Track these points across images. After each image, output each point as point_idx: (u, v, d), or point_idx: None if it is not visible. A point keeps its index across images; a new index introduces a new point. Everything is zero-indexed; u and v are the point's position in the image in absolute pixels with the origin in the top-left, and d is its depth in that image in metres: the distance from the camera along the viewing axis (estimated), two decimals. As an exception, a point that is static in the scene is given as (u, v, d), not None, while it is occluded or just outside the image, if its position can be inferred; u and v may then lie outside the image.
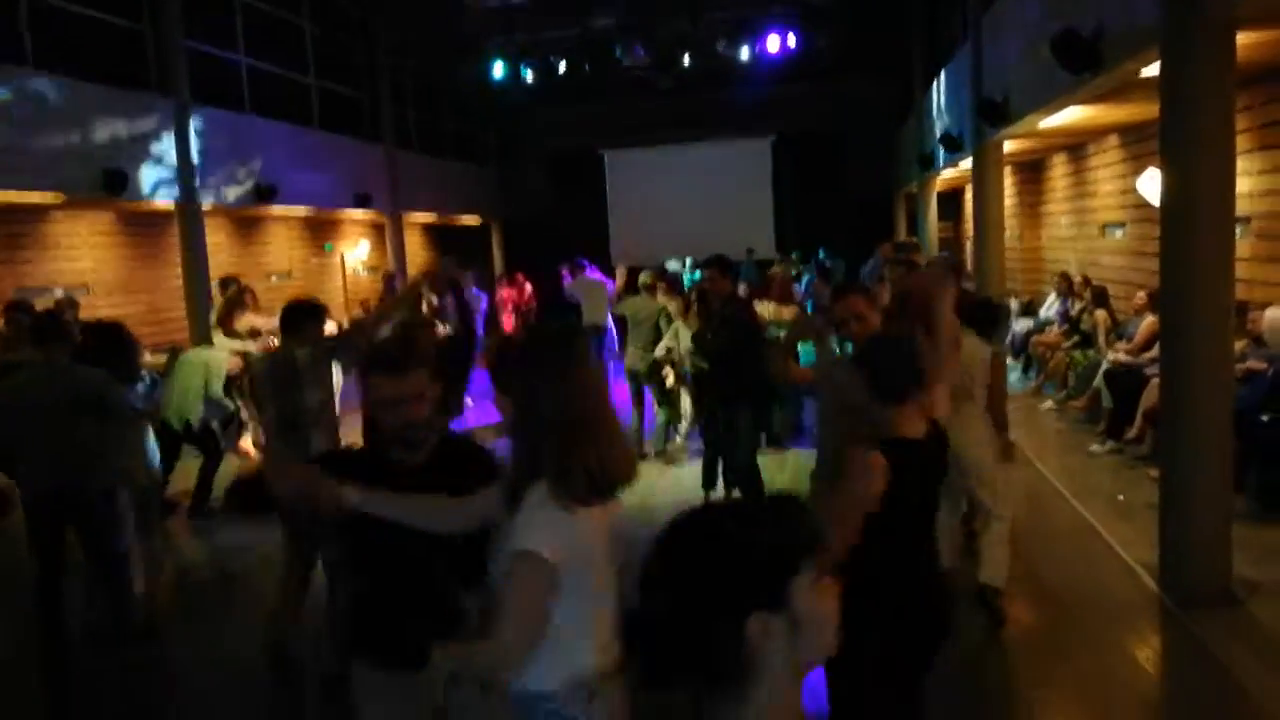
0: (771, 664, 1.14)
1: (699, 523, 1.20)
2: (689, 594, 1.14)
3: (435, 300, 7.25)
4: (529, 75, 16.57)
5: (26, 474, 4.59)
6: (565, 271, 12.21)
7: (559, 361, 2.04)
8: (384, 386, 2.31)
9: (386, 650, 2.38)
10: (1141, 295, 8.40)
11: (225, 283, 9.62)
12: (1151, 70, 5.23)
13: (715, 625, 1.13)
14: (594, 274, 11.86)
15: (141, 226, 11.83)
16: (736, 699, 1.16)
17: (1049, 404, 9.24)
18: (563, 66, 16.42)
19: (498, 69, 16.53)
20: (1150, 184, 7.96)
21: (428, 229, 20.28)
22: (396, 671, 2.36)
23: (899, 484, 2.43)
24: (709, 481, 6.46)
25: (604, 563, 2.07)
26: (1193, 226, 4.52)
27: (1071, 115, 8.37)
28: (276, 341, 5.74)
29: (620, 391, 7.38)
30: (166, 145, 10.57)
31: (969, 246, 14.40)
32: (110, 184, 9.47)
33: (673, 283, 9.22)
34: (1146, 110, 7.71)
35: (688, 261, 15.34)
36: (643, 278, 8.72)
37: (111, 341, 4.99)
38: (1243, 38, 4.56)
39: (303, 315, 4.49)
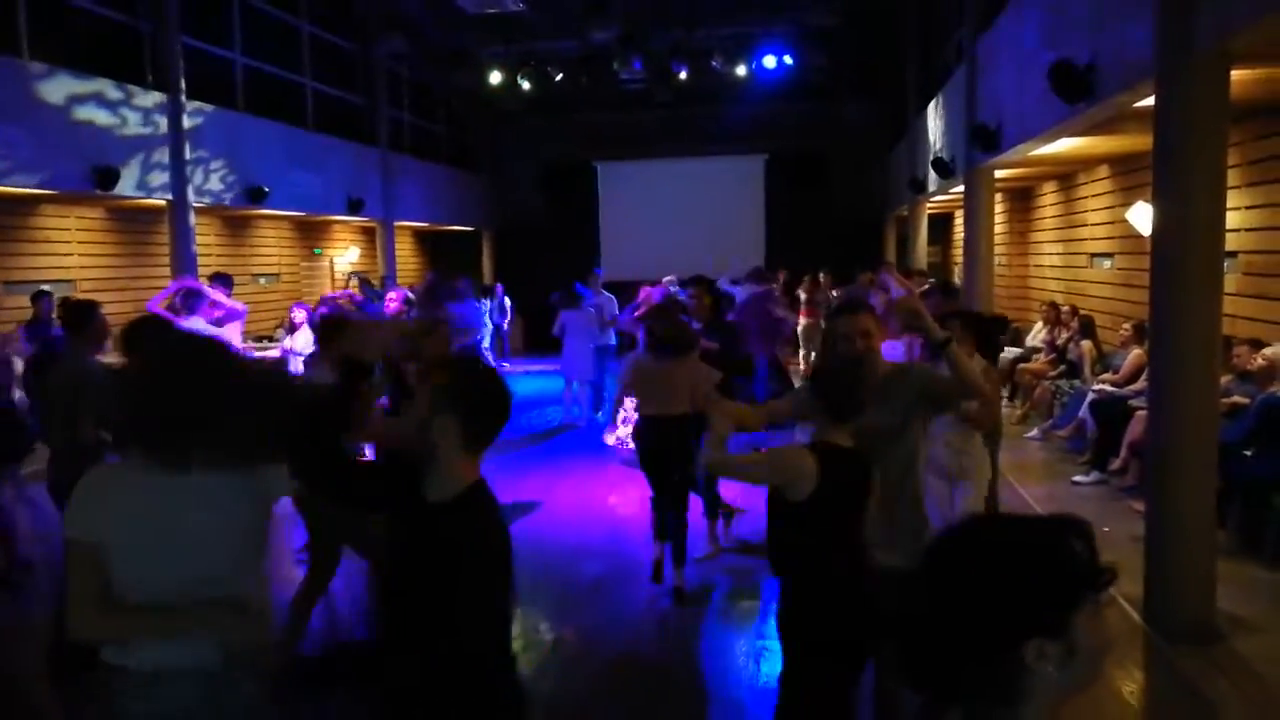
0: (1043, 690, 1.16)
1: (999, 535, 1.21)
2: (975, 606, 1.16)
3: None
4: (525, 85, 16.58)
5: None
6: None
7: None
8: None
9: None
10: (1127, 327, 8.46)
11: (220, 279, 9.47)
12: (1146, 102, 5.27)
13: (995, 643, 1.15)
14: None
15: (131, 223, 11.75)
16: (1006, 714, 1.17)
17: (1034, 433, 9.27)
18: (560, 77, 16.44)
19: (494, 77, 16.55)
20: (1140, 216, 8.04)
21: (419, 235, 20.24)
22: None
23: (832, 483, 2.85)
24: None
25: None
26: (1183, 259, 4.55)
27: (1064, 145, 8.44)
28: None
29: None
30: (159, 141, 10.51)
31: (957, 272, 14.48)
32: (100, 179, 9.40)
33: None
34: (1138, 142, 7.80)
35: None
36: None
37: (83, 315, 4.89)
38: (1236, 74, 4.61)
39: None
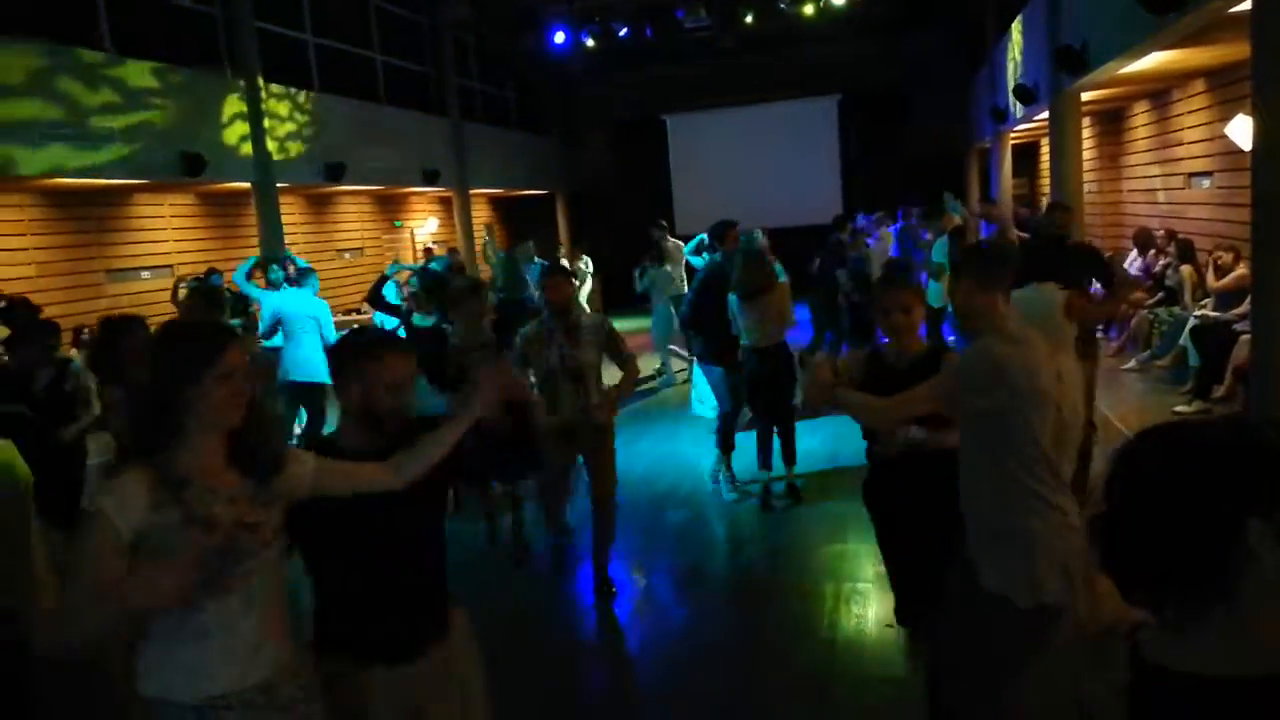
0: (1264, 572, 1.11)
1: (1197, 428, 1.19)
2: (1190, 491, 1.13)
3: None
4: (590, 42, 16.48)
5: None
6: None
7: None
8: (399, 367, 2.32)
9: (379, 647, 2.29)
10: (1226, 255, 8.02)
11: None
12: (1242, 7, 4.95)
13: (1216, 525, 1.11)
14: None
15: (221, 206, 12.19)
16: (1224, 607, 1.13)
17: (1131, 364, 8.93)
18: (624, 31, 16.28)
19: (559, 37, 16.49)
20: (1241, 130, 7.58)
21: (493, 201, 20.45)
22: (385, 668, 2.28)
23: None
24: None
25: None
26: (1287, 172, 4.30)
27: (1155, 60, 7.99)
28: None
29: None
30: (241, 126, 10.83)
31: (1044, 203, 13.93)
32: (188, 166, 9.76)
33: None
34: (1236, 51, 7.32)
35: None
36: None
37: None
38: (1343, -32, 4.29)
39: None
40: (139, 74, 9.47)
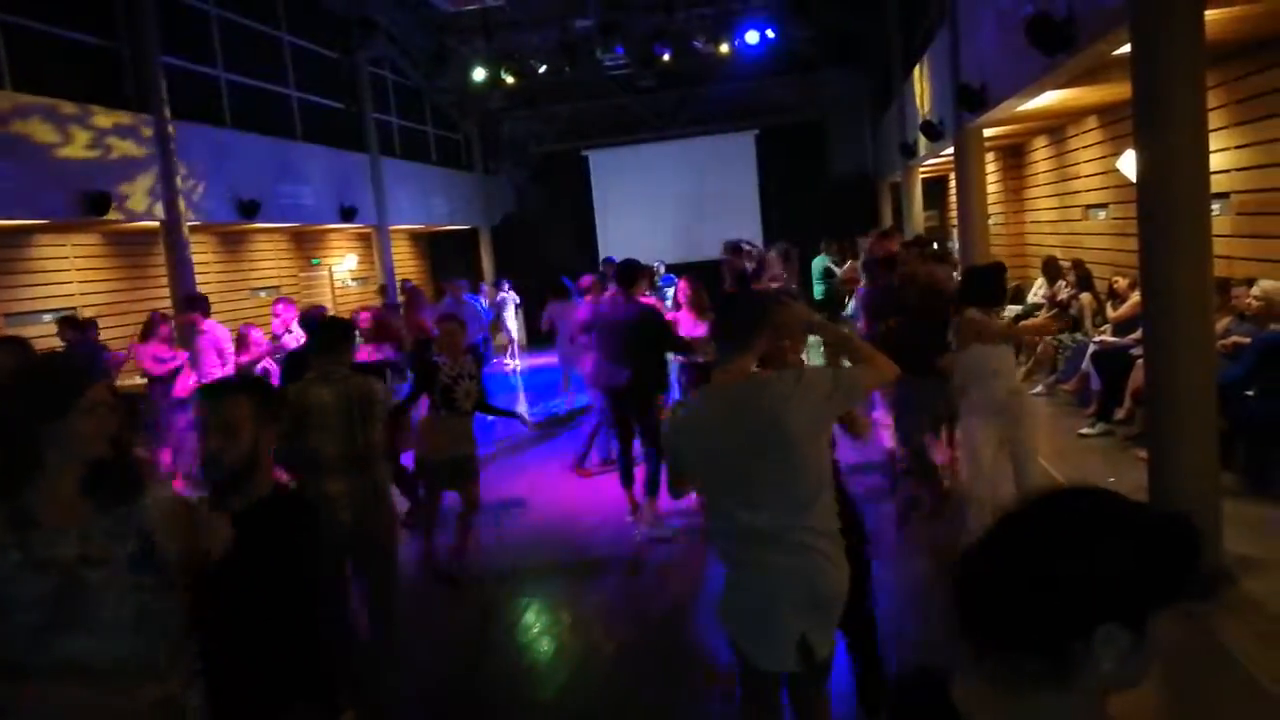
0: (1089, 675, 1.08)
1: (1102, 508, 1.11)
2: (1061, 574, 1.06)
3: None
4: (509, 79, 16.55)
5: None
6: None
7: None
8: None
9: (247, 712, 2.23)
10: (1121, 281, 8.44)
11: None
12: (1125, 50, 5.24)
13: (1072, 612, 1.05)
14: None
15: (128, 246, 11.80)
16: (1051, 689, 1.09)
17: (1038, 388, 9.26)
18: (543, 69, 16.41)
19: (478, 74, 16.52)
20: (1129, 164, 7.99)
21: (415, 237, 20.26)
22: None
23: None
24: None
25: None
26: (1169, 204, 4.54)
27: (1050, 98, 8.40)
28: None
29: None
30: (148, 164, 10.54)
31: (954, 234, 14.42)
32: (93, 205, 9.44)
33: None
34: (1123, 90, 7.71)
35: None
36: None
37: None
38: (1211, 14, 4.58)
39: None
40: (39, 110, 9.16)
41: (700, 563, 5.80)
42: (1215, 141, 6.02)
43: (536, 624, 5.28)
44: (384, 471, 4.14)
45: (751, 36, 15.79)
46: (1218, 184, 6.14)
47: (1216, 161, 6.23)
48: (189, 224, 11.04)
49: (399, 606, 4.20)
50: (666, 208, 19.69)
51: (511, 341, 16.11)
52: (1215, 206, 5.90)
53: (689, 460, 2.79)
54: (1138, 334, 7.49)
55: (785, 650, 2.59)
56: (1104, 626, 1.05)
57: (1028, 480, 4.88)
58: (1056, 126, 11.35)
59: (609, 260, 11.42)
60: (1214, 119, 5.57)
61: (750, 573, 2.66)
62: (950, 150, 10.83)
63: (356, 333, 4.59)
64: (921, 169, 14.97)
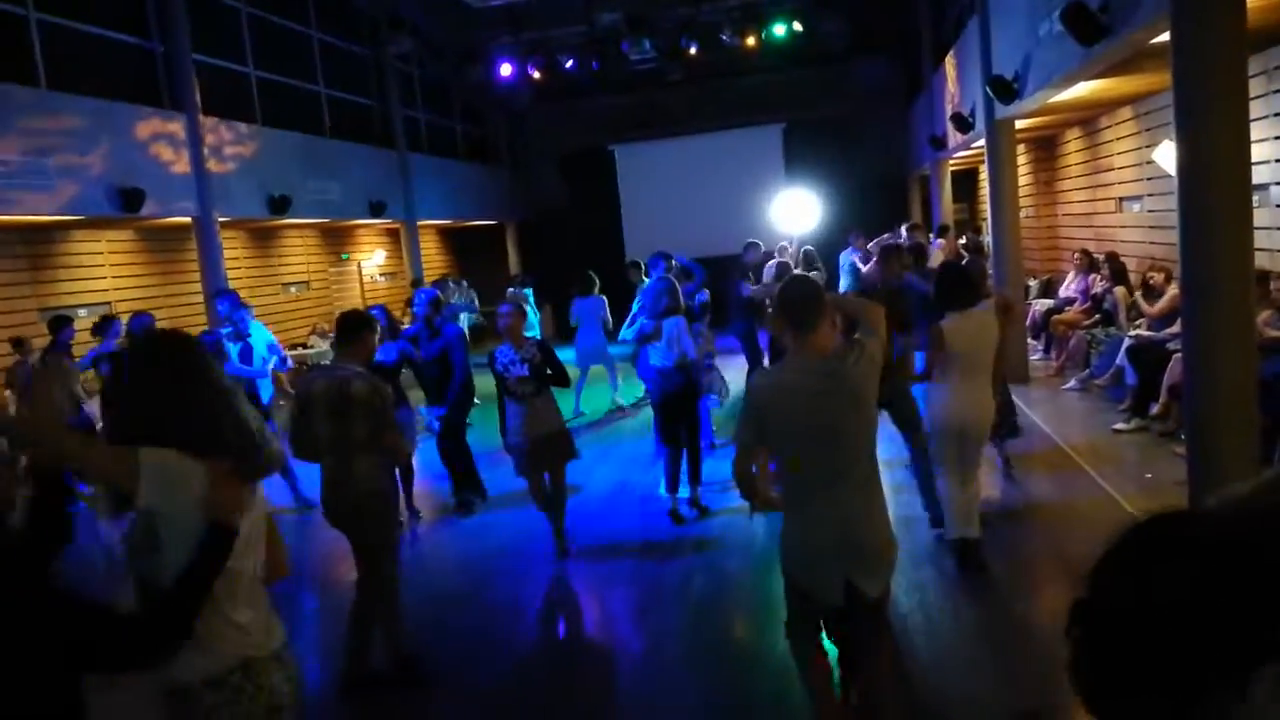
0: None
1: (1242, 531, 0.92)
2: (1204, 613, 0.88)
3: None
4: (536, 74, 16.56)
5: None
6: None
7: None
8: None
9: None
10: (1158, 275, 8.28)
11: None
12: (1162, 38, 5.14)
13: (1219, 665, 0.88)
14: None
15: (161, 241, 11.96)
16: None
17: (1071, 383, 9.14)
18: (570, 64, 16.41)
19: (505, 69, 16.54)
20: (1167, 155, 7.86)
21: (442, 232, 20.35)
22: None
23: None
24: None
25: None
26: (1209, 195, 4.45)
27: (1084, 89, 8.26)
28: None
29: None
30: (181, 160, 10.66)
31: (985, 227, 14.26)
32: (127, 202, 9.57)
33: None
34: (1159, 80, 7.61)
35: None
36: None
37: None
38: (1252, 1, 4.48)
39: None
40: (75, 109, 9.29)
41: (744, 548, 5.80)
42: (1255, 131, 5.90)
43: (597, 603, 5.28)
44: (365, 462, 4.34)
45: (779, 29, 15.70)
46: (1258, 174, 6.01)
47: (1257, 152, 6.10)
48: (220, 220, 11.16)
49: (390, 593, 4.43)
50: (693, 203, 19.59)
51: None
52: (1255, 198, 5.78)
53: (767, 422, 3.13)
54: (1175, 328, 7.37)
55: (835, 589, 3.08)
56: (1267, 669, 0.87)
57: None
58: (1090, 117, 11.18)
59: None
60: (1254, 108, 5.45)
61: (819, 510, 3.10)
62: (981, 142, 10.70)
63: (374, 330, 4.71)
64: (951, 161, 14.81)
